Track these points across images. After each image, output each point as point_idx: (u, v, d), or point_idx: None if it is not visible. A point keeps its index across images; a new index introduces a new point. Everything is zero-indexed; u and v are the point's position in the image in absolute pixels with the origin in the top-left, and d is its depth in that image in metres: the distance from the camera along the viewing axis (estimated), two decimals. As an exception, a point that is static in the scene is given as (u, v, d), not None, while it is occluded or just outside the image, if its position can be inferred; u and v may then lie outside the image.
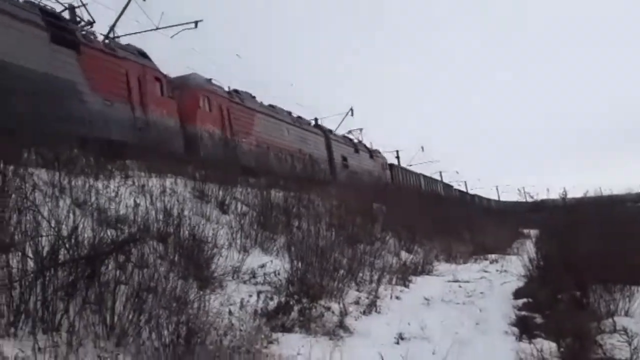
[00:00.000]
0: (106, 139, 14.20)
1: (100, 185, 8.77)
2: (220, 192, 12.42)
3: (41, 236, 5.61)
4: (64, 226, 5.96)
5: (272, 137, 25.34)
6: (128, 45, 19.01)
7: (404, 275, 12.00)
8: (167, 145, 16.06)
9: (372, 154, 39.91)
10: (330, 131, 34.18)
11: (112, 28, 19.26)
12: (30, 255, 5.42)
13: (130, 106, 17.05)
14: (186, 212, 9.20)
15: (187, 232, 8.31)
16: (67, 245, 5.73)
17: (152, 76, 18.62)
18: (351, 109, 39.75)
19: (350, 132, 39.71)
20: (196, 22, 21.95)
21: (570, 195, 13.60)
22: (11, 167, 7.06)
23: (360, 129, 40.67)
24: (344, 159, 33.88)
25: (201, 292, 7.02)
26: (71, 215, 6.43)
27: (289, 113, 29.01)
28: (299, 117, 30.18)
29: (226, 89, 23.79)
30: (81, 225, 6.08)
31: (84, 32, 16.54)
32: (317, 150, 29.97)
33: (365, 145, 39.86)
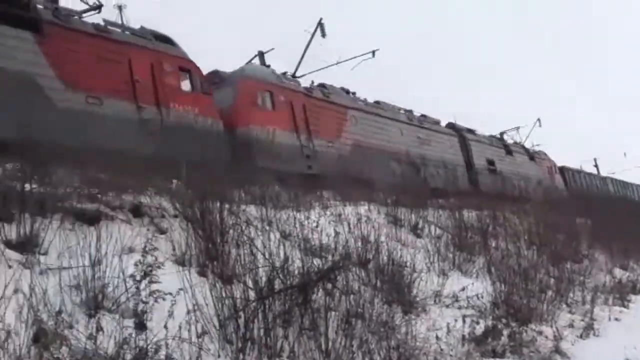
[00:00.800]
0: (95, 148, 9.80)
1: (301, 216, 9.28)
2: (412, 216, 12.46)
3: (258, 268, 6.09)
4: (275, 257, 6.42)
5: (375, 139, 20.87)
6: (140, 28, 15.29)
7: (621, 294, 10.94)
8: (195, 153, 11.29)
9: (533, 156, 33.79)
10: (471, 131, 29.14)
11: (297, 68, 20.42)
12: (251, 285, 5.89)
13: (135, 104, 13.47)
14: (382, 238, 9.35)
15: (385, 258, 8.45)
16: (280, 275, 6.15)
17: (174, 66, 14.95)
18: (538, 120, 36.97)
19: (504, 132, 34.77)
20: (373, 52, 22.57)
21: None
22: (227, 205, 7.77)
23: (517, 128, 35.46)
24: (490, 162, 28.54)
25: (406, 317, 7.06)
26: (281, 247, 6.93)
27: (409, 111, 24.76)
28: (423, 116, 25.69)
29: (308, 84, 20.11)
30: (290, 256, 6.50)
31: (54, 9, 12.95)
32: (447, 154, 25.07)
33: (522, 146, 34.30)
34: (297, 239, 8.16)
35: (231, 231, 7.11)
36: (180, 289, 5.01)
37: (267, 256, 6.30)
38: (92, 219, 6.75)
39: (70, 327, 4.66)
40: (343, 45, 24.60)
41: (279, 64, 19.65)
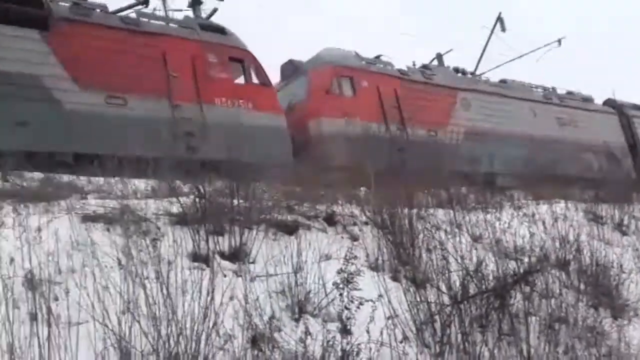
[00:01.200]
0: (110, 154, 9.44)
1: (492, 218, 9.03)
2: (616, 212, 11.45)
3: (450, 272, 6.07)
4: (468, 261, 6.35)
5: (495, 123, 17.77)
6: (185, 17, 14.16)
7: None
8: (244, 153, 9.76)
9: None
10: (638, 107, 23.68)
11: (477, 65, 19.92)
12: (444, 289, 5.90)
13: (168, 102, 12.20)
14: (583, 237, 8.76)
15: (587, 258, 7.90)
16: (474, 279, 6.07)
17: (222, 57, 13.50)
18: None
19: None
20: (559, 40, 21.22)
21: None
22: (414, 210, 7.86)
23: None
24: None
25: (617, 322, 6.55)
26: (473, 250, 6.84)
27: (548, 89, 20.94)
28: (569, 93, 21.72)
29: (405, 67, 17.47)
30: (483, 259, 6.39)
31: (72, 4, 12.10)
32: (600, 135, 20.56)
33: None
34: (489, 242, 7.98)
35: (421, 236, 7.18)
36: (380, 296, 5.18)
37: (459, 260, 6.27)
38: (291, 229, 7.26)
39: (279, 330, 5.06)
40: (526, 37, 22.82)
41: (458, 64, 19.17)
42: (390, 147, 14.45)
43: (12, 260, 4.81)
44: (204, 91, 12.79)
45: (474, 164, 15.27)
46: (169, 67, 12.48)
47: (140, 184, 8.69)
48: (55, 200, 7.07)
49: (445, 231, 7.81)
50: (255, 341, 4.73)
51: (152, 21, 13.23)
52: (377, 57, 17.01)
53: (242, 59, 13.91)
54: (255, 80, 13.95)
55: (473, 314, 5.78)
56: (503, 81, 19.87)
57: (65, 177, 8.91)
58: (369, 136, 14.27)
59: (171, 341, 4.37)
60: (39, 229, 5.66)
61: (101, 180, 8.74)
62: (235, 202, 7.05)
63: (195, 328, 4.46)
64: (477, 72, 19.92)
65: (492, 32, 20.14)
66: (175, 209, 6.92)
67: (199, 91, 12.73)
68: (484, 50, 20.14)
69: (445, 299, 5.78)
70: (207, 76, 13.03)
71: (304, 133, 13.99)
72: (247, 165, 8.04)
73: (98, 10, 12.43)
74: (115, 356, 4.33)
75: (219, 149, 10.04)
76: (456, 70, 18.98)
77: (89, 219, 6.47)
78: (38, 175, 8.78)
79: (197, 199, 6.92)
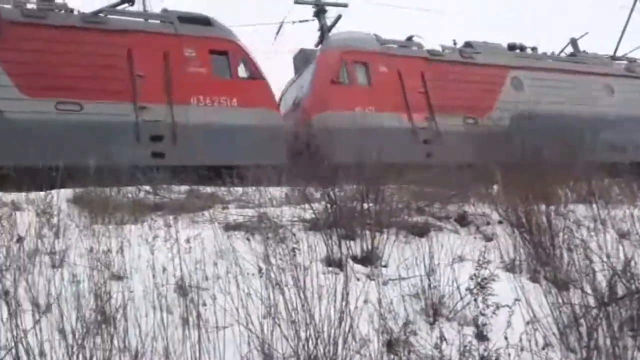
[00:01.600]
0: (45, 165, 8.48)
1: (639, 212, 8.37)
2: None
3: (595, 272, 5.73)
4: (614, 259, 5.95)
5: (557, 104, 14.97)
6: (162, 10, 13.04)
7: None
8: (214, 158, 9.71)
9: None
10: None
11: (616, 47, 18.50)
12: (589, 291, 5.57)
13: (132, 104, 11.26)
14: None
15: None
16: (622, 279, 5.67)
17: (201, 50, 12.36)
18: None
19: None
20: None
21: None
22: (552, 207, 7.49)
23: None
24: None
25: None
26: (619, 247, 6.40)
27: (635, 61, 18.15)
28: None
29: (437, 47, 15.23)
30: (632, 257, 5.95)
31: (24, 6, 11.66)
32: None
33: None
34: (638, 238, 7.41)
35: (561, 234, 6.84)
36: (517, 299, 5.03)
37: (604, 259, 5.90)
38: (422, 231, 7.23)
39: (415, 334, 5.07)
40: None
41: (596, 48, 17.84)
42: (414, 140, 13.24)
43: (164, 269, 5.26)
44: (177, 90, 11.84)
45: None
46: (135, 65, 11.65)
47: (276, 192, 9.08)
48: (200, 211, 7.61)
49: (588, 228, 7.36)
50: (390, 345, 4.78)
51: (120, 18, 12.51)
52: (409, 38, 15.41)
53: (226, 51, 12.79)
54: (243, 73, 12.88)
55: (623, 316, 5.41)
56: (572, 54, 17.64)
57: (209, 189, 9.52)
58: (387, 129, 12.84)
59: (310, 344, 4.54)
60: (187, 240, 6.13)
61: (240, 190, 9.26)
62: (365, 206, 7.15)
63: (332, 332, 4.59)
64: (618, 54, 18.43)
65: (632, 10, 18.57)
66: (307, 215, 7.17)
67: (170, 90, 11.78)
68: (623, 31, 18.62)
69: (591, 301, 5.47)
70: (182, 73, 12.07)
71: (308, 130, 12.79)
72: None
73: (59, 10, 11.97)
74: (259, 358, 4.59)
75: (193, 153, 9.56)
76: (512, 47, 16.78)
77: (231, 227, 6.90)
78: (184, 187, 9.48)
79: (328, 205, 7.12)
